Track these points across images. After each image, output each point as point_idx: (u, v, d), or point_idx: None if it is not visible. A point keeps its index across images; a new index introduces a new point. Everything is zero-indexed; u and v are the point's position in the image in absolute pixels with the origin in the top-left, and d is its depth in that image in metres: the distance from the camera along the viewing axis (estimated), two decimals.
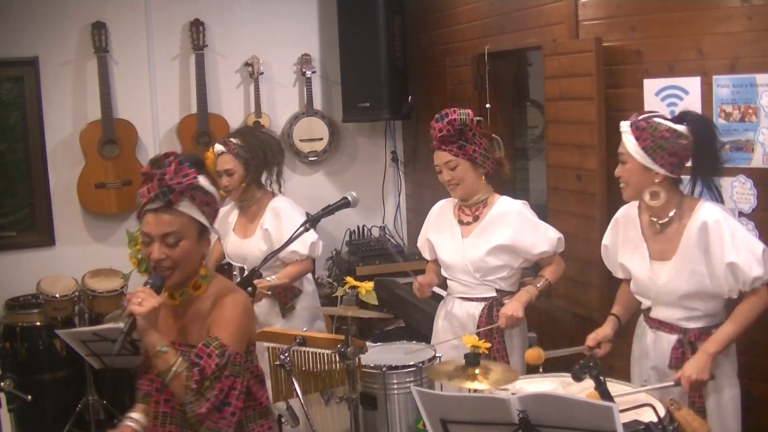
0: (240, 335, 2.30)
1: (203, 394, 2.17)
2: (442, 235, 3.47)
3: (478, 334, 3.17)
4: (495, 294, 3.34)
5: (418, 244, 3.68)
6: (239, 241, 3.86)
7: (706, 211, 2.69)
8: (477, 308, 3.34)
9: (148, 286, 2.25)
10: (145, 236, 2.29)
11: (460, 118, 3.24)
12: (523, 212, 3.35)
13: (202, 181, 2.34)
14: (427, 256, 3.60)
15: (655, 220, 2.79)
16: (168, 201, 2.25)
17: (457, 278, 3.41)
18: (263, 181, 3.86)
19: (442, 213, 3.53)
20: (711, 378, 2.64)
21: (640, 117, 2.72)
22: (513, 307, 3.24)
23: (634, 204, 2.91)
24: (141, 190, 2.30)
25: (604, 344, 2.94)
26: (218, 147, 3.78)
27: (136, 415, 2.42)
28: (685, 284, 2.71)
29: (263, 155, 3.82)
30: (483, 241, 3.32)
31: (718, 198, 2.77)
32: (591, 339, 2.95)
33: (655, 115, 2.72)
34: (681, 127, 2.67)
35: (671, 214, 2.75)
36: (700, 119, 2.74)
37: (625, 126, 2.74)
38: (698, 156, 2.70)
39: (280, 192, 3.93)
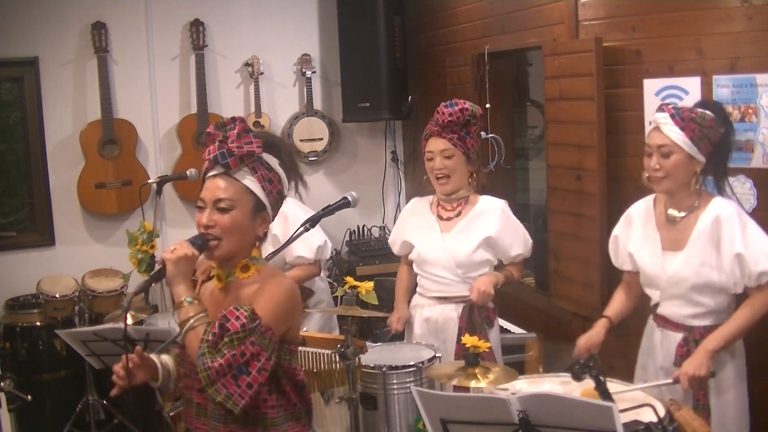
0: (277, 314, 2.13)
1: (219, 350, 2.02)
2: (420, 229, 3.45)
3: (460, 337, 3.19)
4: None
5: (389, 240, 3.69)
6: None
7: (719, 205, 2.72)
8: (456, 310, 3.34)
9: (189, 240, 2.17)
10: (200, 201, 2.20)
11: (472, 110, 3.27)
12: (506, 211, 3.39)
13: (269, 158, 2.26)
14: (396, 251, 3.61)
15: (674, 212, 2.80)
16: (226, 164, 2.16)
17: (434, 275, 3.39)
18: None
19: (417, 210, 3.53)
20: (711, 375, 2.64)
21: (677, 108, 2.71)
22: (484, 283, 3.26)
23: (649, 198, 2.93)
24: (203, 153, 2.22)
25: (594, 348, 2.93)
26: None
27: (164, 356, 2.31)
28: (694, 275, 2.72)
29: (290, 157, 3.87)
30: (468, 237, 3.33)
31: (730, 190, 2.80)
32: (583, 346, 2.93)
33: (690, 106, 2.74)
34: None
35: (693, 206, 2.76)
36: (723, 109, 2.78)
37: (664, 118, 2.71)
38: (722, 147, 2.74)
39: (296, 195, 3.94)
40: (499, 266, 3.46)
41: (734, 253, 2.63)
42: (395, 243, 3.61)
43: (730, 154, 2.78)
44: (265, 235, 2.29)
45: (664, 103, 2.82)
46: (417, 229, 3.47)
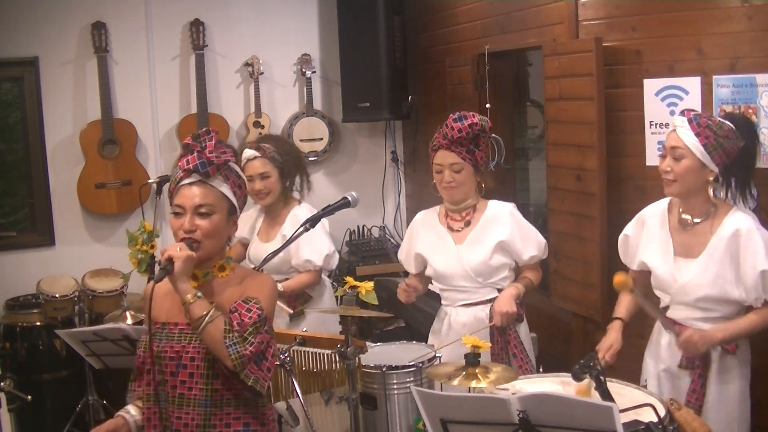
0: (269, 306, 2.33)
1: (246, 338, 2.20)
2: (433, 244, 3.41)
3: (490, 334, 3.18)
4: (497, 293, 3.33)
5: (400, 258, 3.62)
6: (260, 244, 3.86)
7: (739, 218, 2.69)
8: (484, 311, 3.32)
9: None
10: (178, 208, 2.33)
11: (481, 124, 3.24)
12: (515, 214, 3.37)
13: (235, 166, 2.42)
14: (412, 269, 3.53)
15: (688, 218, 2.79)
16: (205, 173, 2.31)
17: (455, 286, 3.37)
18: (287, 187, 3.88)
19: (426, 224, 3.47)
20: (702, 353, 2.70)
21: (697, 114, 2.71)
22: (506, 303, 3.22)
23: (663, 201, 2.91)
24: (180, 162, 2.36)
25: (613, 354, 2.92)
26: (249, 152, 3.75)
27: (132, 409, 2.42)
28: (708, 287, 2.70)
29: (298, 160, 3.88)
30: (481, 245, 3.31)
31: (750, 202, 2.78)
32: (606, 353, 2.89)
33: (710, 114, 2.76)
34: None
35: (707, 213, 2.74)
36: (748, 122, 2.76)
37: (681, 121, 2.70)
38: (743, 159, 2.71)
39: (301, 198, 3.95)
40: (516, 269, 3.44)
41: (760, 270, 2.61)
42: (409, 261, 3.53)
43: (752, 167, 2.76)
44: (233, 236, 2.46)
45: (687, 109, 2.79)
46: (430, 244, 3.42)
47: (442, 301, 3.48)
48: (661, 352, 2.87)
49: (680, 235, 2.81)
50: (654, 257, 2.87)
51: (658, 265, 2.85)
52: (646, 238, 2.91)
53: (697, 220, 2.77)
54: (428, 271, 3.46)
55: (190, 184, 2.32)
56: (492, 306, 3.26)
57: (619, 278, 2.74)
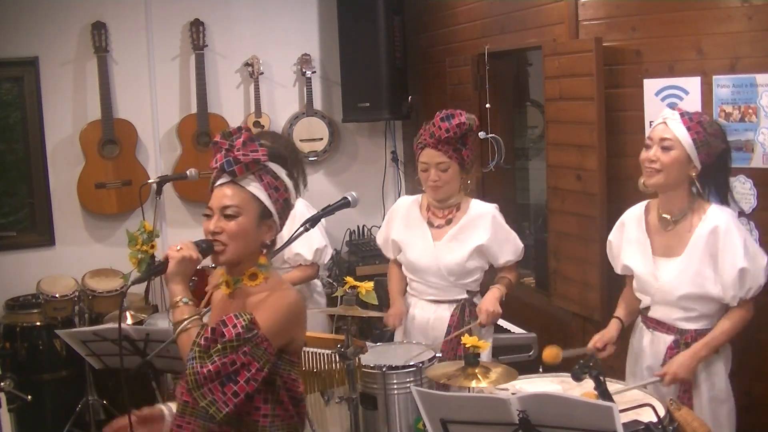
0: (277, 326, 2.13)
1: (210, 355, 2.03)
2: (411, 236, 3.43)
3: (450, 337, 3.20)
4: (466, 295, 3.35)
5: (378, 242, 3.65)
6: None
7: (717, 215, 2.71)
8: (448, 310, 3.35)
9: (195, 242, 2.20)
10: (208, 210, 2.23)
11: (469, 123, 3.24)
12: (497, 217, 3.39)
13: (275, 167, 2.27)
14: (390, 254, 3.58)
15: (668, 217, 2.80)
16: (232, 172, 2.19)
17: (425, 280, 3.39)
18: None
19: (408, 212, 3.48)
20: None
21: (689, 111, 2.75)
22: (491, 303, 3.27)
23: (641, 204, 2.93)
24: (211, 162, 2.26)
25: (609, 346, 2.94)
26: None
27: (173, 405, 2.34)
28: (688, 285, 2.72)
29: (294, 157, 3.88)
30: (460, 245, 3.32)
31: (733, 206, 2.81)
32: (598, 340, 2.93)
33: (700, 112, 2.81)
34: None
35: (686, 211, 2.76)
36: (723, 129, 2.80)
37: (672, 114, 2.74)
38: (722, 163, 2.76)
39: (298, 194, 3.95)
40: (491, 270, 3.45)
41: (739, 268, 2.63)
42: (386, 246, 3.57)
43: (729, 171, 2.81)
44: (273, 243, 2.31)
45: (674, 106, 2.84)
46: (407, 234, 3.44)
47: (409, 290, 3.50)
48: (645, 350, 2.89)
49: (660, 236, 2.83)
50: (633, 259, 2.89)
51: (638, 266, 2.87)
52: (626, 240, 2.94)
53: (676, 218, 2.78)
54: (401, 258, 3.48)
55: (221, 185, 2.23)
56: (478, 306, 3.31)
57: (548, 353, 2.82)
